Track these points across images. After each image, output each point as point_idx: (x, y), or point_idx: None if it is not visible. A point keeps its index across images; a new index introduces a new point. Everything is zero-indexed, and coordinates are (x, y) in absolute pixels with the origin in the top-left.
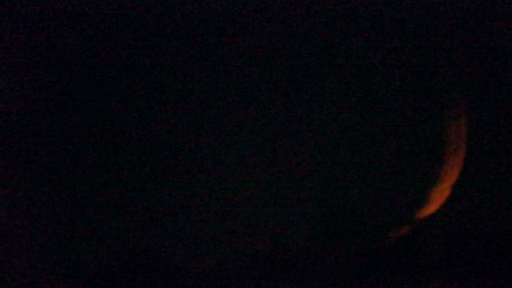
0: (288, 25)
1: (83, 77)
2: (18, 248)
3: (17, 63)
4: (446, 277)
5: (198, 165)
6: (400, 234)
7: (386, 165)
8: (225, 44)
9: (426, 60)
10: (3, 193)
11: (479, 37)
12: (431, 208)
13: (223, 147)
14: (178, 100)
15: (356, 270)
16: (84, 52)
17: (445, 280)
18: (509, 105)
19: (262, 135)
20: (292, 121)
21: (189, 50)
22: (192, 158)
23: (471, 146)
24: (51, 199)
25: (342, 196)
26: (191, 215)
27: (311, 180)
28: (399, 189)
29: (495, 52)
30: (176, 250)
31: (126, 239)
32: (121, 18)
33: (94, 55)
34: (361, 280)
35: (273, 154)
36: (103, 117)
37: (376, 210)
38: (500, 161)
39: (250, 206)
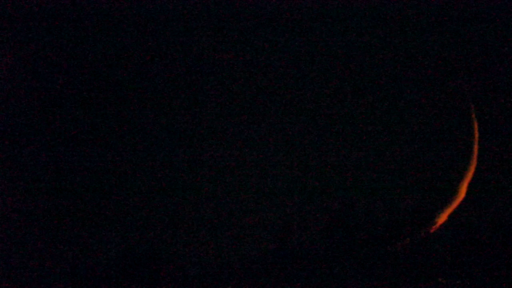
0: (295, 26)
1: (83, 78)
2: (21, 249)
3: (17, 63)
4: (454, 277)
5: (204, 166)
6: (419, 235)
7: (404, 165)
8: (226, 45)
9: (450, 60)
10: (4, 193)
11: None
12: (450, 208)
13: (230, 148)
14: (186, 101)
15: (362, 269)
16: (83, 53)
17: (453, 280)
18: None
19: (272, 135)
20: (304, 119)
21: (190, 50)
22: (198, 158)
23: (481, 148)
24: (54, 200)
25: (362, 197)
26: (197, 215)
27: (325, 179)
28: (421, 190)
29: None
30: (181, 250)
31: (130, 240)
32: (121, 18)
33: (94, 55)
34: (367, 279)
35: (282, 153)
36: (106, 117)
37: (396, 211)
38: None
39: (256, 206)
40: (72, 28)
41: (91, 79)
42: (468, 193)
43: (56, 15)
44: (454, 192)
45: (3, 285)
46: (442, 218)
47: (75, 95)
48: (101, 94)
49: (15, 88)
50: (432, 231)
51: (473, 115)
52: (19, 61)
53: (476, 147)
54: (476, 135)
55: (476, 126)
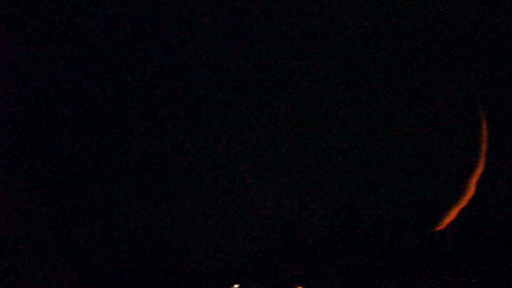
0: (304, 26)
1: (84, 77)
2: (23, 247)
3: (17, 63)
4: (461, 275)
5: (210, 164)
6: (427, 233)
7: (414, 163)
8: (227, 44)
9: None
10: (8, 192)
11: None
12: (460, 205)
13: (236, 146)
14: (189, 100)
15: (368, 267)
16: (84, 52)
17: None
18: None
19: (276, 133)
20: (309, 117)
21: (193, 50)
22: (205, 155)
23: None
24: (57, 197)
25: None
26: (203, 211)
27: (330, 176)
28: (430, 187)
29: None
30: (188, 247)
31: (134, 236)
32: (121, 18)
33: (94, 55)
34: (373, 276)
35: (288, 150)
36: (108, 115)
37: (407, 210)
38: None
39: (262, 202)
40: (71, 27)
41: (91, 79)
42: (476, 190)
43: (55, 15)
44: (463, 189)
45: (8, 283)
46: (452, 215)
47: (76, 95)
48: (104, 93)
49: (15, 88)
50: (439, 228)
51: (482, 112)
52: (19, 61)
53: (485, 145)
54: (485, 132)
55: (484, 123)
